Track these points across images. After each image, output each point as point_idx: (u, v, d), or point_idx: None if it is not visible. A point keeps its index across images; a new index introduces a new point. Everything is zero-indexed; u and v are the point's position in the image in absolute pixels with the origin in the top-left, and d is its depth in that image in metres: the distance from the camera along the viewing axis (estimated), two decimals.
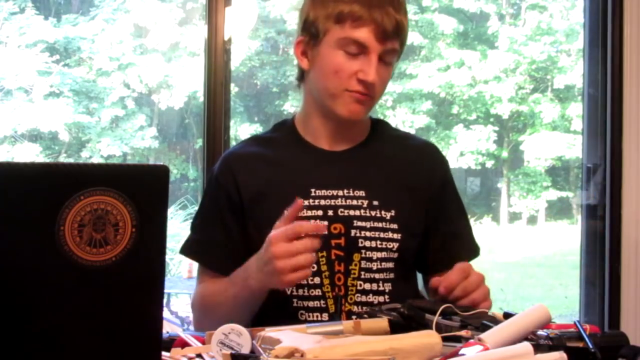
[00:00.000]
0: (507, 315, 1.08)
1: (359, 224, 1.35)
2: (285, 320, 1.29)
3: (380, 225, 1.36)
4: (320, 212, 1.35)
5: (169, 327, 1.09)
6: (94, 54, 7.09)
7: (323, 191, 1.37)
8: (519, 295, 6.49)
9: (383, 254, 1.35)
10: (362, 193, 1.37)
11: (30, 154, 6.70)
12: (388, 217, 1.36)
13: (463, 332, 1.02)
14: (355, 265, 1.34)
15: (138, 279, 0.76)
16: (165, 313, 4.61)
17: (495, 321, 1.05)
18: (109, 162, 6.47)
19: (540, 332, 0.98)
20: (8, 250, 0.69)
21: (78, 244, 0.71)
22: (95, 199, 0.72)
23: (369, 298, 1.34)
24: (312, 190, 1.37)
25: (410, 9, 8.10)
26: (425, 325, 1.06)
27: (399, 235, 1.36)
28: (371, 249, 1.35)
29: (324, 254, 1.33)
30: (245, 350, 0.93)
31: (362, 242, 1.34)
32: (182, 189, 7.24)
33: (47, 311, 0.71)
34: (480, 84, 8.17)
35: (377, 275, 1.34)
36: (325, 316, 1.32)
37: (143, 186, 0.76)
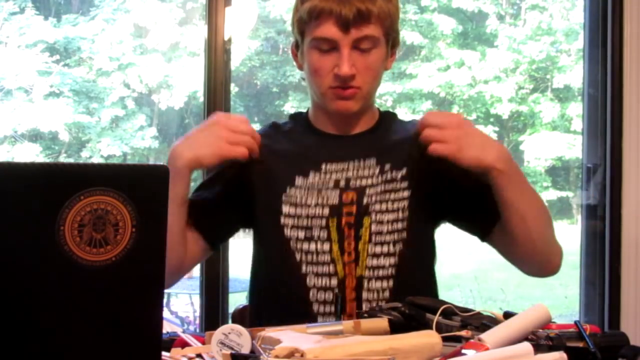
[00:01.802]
0: (507, 315, 1.08)
1: (371, 191, 1.36)
2: (293, 287, 1.33)
3: (390, 186, 1.37)
4: (331, 183, 1.37)
5: (169, 327, 1.09)
6: (94, 54, 7.09)
7: (334, 164, 1.38)
8: (519, 295, 6.49)
9: (394, 216, 1.35)
10: (372, 161, 1.38)
11: (30, 154, 6.69)
12: (399, 177, 1.37)
13: (463, 332, 1.02)
14: (366, 229, 1.34)
15: (138, 279, 0.76)
16: (165, 313, 4.61)
17: (495, 321, 1.05)
18: (109, 162, 6.46)
19: (540, 332, 0.98)
20: (8, 250, 0.69)
21: (78, 244, 0.71)
22: (95, 199, 0.72)
23: (380, 261, 1.34)
24: (323, 164, 1.38)
25: (410, 9, 8.10)
26: (426, 325, 1.06)
27: (409, 192, 1.36)
28: (382, 211, 1.35)
29: (335, 220, 1.35)
30: (245, 350, 0.93)
31: (372, 207, 1.35)
32: None
33: (47, 311, 0.71)
34: (480, 84, 8.17)
35: (387, 238, 1.35)
36: (334, 281, 1.33)
37: (143, 186, 0.76)
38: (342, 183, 1.37)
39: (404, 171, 1.37)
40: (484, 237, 1.43)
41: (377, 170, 1.37)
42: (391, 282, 1.34)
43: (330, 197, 1.36)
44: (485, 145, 1.28)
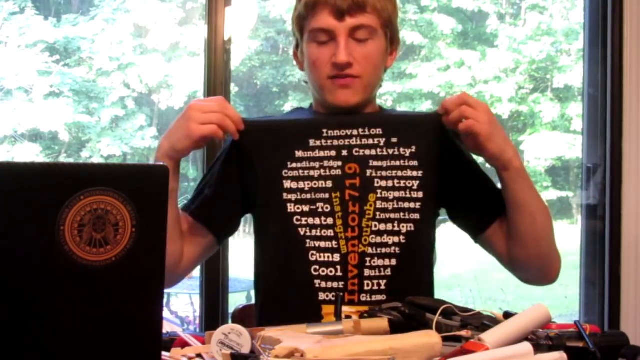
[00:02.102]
0: (507, 315, 1.08)
1: (375, 163, 1.35)
2: (297, 263, 1.32)
3: (398, 163, 1.35)
4: (333, 153, 1.36)
5: (169, 327, 1.09)
6: (94, 54, 7.08)
7: (336, 131, 1.37)
8: (519, 295, 6.49)
9: (401, 194, 1.34)
10: (379, 131, 1.36)
11: (30, 154, 6.69)
12: (407, 154, 1.35)
13: (463, 332, 1.02)
14: (371, 206, 1.33)
15: (138, 279, 0.76)
16: (165, 313, 4.61)
17: (495, 321, 1.05)
18: (109, 162, 6.47)
19: (540, 332, 0.98)
20: (8, 250, 0.69)
21: (78, 244, 0.71)
22: (95, 199, 0.72)
23: (384, 239, 1.33)
24: (324, 130, 1.37)
25: (410, 8, 8.10)
26: (426, 325, 1.06)
27: (420, 172, 1.35)
28: (387, 188, 1.34)
29: (338, 194, 1.33)
30: (245, 350, 0.93)
31: (378, 182, 1.34)
32: (182, 189, 7.24)
33: (47, 311, 0.71)
34: (480, 84, 8.17)
35: (392, 215, 1.33)
36: (336, 257, 1.32)
37: (143, 186, 0.76)
38: (345, 152, 1.35)
39: (413, 149, 1.36)
40: (477, 236, 1.43)
41: (383, 142, 1.36)
42: (394, 261, 1.32)
43: (333, 168, 1.35)
44: (506, 139, 1.30)
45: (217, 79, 2.33)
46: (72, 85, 6.98)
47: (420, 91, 8.06)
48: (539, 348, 0.93)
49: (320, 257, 1.32)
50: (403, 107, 7.91)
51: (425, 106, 8.04)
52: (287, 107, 7.61)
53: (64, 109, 6.83)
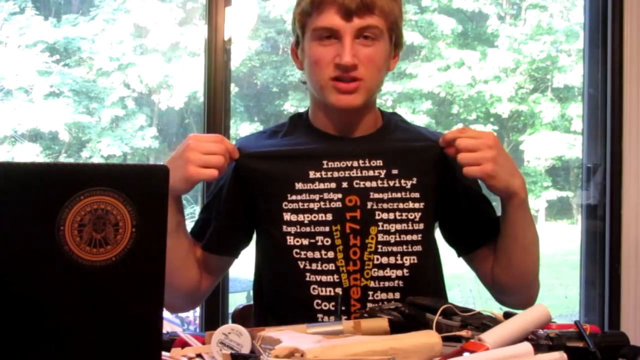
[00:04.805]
0: (507, 315, 1.08)
1: (376, 195, 1.33)
2: (298, 296, 1.31)
3: (399, 195, 1.33)
4: (333, 185, 1.33)
5: (169, 327, 1.09)
6: (94, 54, 7.08)
7: (336, 162, 1.34)
8: None
9: (403, 226, 1.32)
10: (379, 162, 1.35)
11: (30, 154, 6.68)
12: (408, 186, 1.34)
13: (463, 332, 1.02)
14: (372, 238, 1.31)
15: (138, 279, 0.76)
16: (165, 313, 4.60)
17: (495, 321, 1.05)
18: (109, 162, 6.46)
19: (540, 332, 0.98)
20: (8, 250, 0.69)
21: (78, 244, 0.71)
22: (95, 199, 0.72)
23: (387, 272, 1.31)
24: (325, 162, 1.35)
25: (410, 9, 8.09)
26: (426, 325, 1.06)
27: (422, 204, 1.33)
28: (389, 221, 1.32)
29: (338, 227, 1.31)
30: (245, 350, 0.93)
31: (379, 215, 1.32)
32: None
33: (47, 311, 0.71)
34: (480, 84, 8.16)
35: (395, 249, 1.32)
36: (338, 290, 1.30)
37: (143, 186, 0.76)
38: (345, 184, 1.33)
39: (414, 180, 1.34)
40: (462, 254, 1.43)
41: (384, 173, 1.34)
42: (398, 294, 1.31)
43: (333, 201, 1.32)
44: (513, 170, 1.28)
45: (217, 79, 2.33)
46: (72, 85, 6.97)
47: (420, 91, 8.05)
48: (539, 348, 0.93)
49: (322, 291, 1.30)
50: (403, 107, 7.91)
51: (425, 106, 8.04)
52: (287, 106, 7.60)
53: (64, 109, 6.83)
